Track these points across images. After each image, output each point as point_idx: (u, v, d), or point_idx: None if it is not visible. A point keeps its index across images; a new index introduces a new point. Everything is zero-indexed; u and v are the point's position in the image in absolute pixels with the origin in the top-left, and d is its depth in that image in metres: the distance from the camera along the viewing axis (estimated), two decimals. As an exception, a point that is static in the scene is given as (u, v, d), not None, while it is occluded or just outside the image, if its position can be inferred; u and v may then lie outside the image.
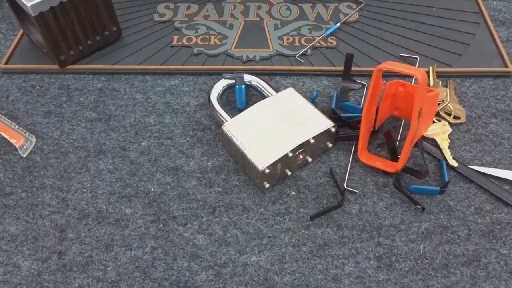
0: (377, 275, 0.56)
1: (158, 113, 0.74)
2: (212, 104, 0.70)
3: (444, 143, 0.68)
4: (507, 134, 0.70)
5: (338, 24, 0.86)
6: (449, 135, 0.69)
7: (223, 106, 0.70)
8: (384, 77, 0.71)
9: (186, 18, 0.89)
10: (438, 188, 0.62)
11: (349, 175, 0.65)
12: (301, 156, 0.64)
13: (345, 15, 0.89)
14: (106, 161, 0.68)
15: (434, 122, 0.70)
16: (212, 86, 0.72)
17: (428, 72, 0.77)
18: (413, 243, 0.59)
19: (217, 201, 0.63)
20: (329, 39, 0.84)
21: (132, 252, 0.59)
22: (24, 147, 0.70)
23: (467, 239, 0.59)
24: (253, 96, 0.76)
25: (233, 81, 0.72)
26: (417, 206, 0.61)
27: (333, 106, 0.72)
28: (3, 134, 0.71)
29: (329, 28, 0.86)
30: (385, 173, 0.65)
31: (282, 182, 0.65)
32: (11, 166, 0.68)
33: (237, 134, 0.63)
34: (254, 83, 0.73)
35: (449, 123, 0.71)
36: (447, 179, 0.63)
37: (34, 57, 0.83)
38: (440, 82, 0.76)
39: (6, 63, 0.82)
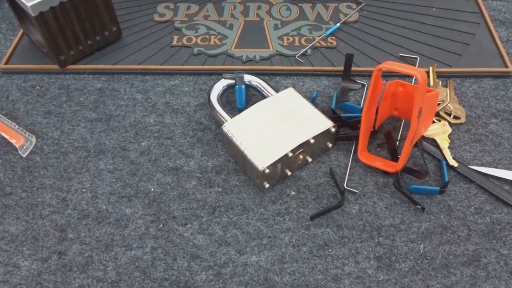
0: (377, 275, 0.56)
1: (158, 113, 0.74)
2: (212, 104, 0.70)
3: (444, 143, 0.68)
4: (507, 134, 0.70)
5: (338, 24, 0.86)
6: (449, 135, 0.69)
7: (223, 106, 0.70)
8: (384, 77, 0.71)
9: (186, 18, 0.89)
10: (438, 188, 0.62)
11: (349, 175, 0.65)
12: (301, 156, 0.64)
13: (345, 15, 0.89)
14: (106, 161, 0.68)
15: (434, 122, 0.70)
16: (212, 86, 0.72)
17: (428, 72, 0.77)
18: (413, 243, 0.59)
19: (217, 201, 0.63)
20: (329, 39, 0.84)
21: (132, 252, 0.59)
22: (24, 147, 0.70)
23: (467, 239, 0.59)
24: (253, 96, 0.76)
25: (233, 81, 0.72)
26: (417, 206, 0.61)
27: (333, 106, 0.72)
28: (3, 134, 0.71)
29: (329, 28, 0.86)
30: (385, 173, 0.65)
31: (282, 182, 0.65)
32: (11, 166, 0.68)
33: (237, 134, 0.63)
34: (254, 83, 0.73)
35: (449, 123, 0.71)
36: (447, 179, 0.63)
37: (34, 57, 0.83)
38: (440, 82, 0.76)
39: (6, 63, 0.82)
